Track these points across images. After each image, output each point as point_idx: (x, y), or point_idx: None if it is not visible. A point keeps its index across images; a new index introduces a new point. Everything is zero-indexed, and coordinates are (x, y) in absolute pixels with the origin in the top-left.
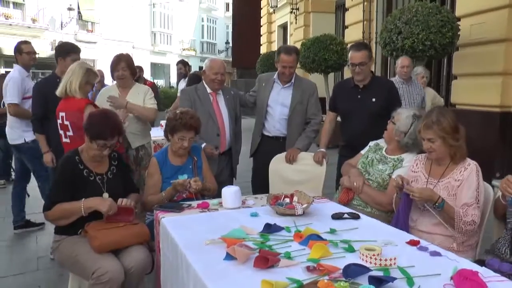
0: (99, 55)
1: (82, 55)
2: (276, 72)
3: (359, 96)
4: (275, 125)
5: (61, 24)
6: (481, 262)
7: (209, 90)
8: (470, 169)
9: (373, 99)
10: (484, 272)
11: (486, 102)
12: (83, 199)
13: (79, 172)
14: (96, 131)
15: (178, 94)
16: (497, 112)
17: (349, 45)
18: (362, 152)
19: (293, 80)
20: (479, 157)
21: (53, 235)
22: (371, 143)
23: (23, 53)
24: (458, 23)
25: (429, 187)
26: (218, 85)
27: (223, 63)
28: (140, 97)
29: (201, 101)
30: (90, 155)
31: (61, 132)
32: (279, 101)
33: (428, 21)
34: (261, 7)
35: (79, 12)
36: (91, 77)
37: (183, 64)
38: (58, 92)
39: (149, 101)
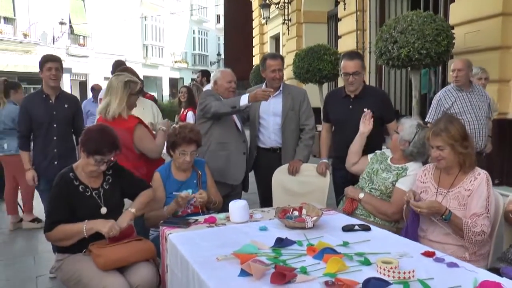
0: (91, 69)
1: (74, 70)
2: (264, 83)
3: (350, 106)
4: (270, 136)
5: (53, 38)
6: (494, 270)
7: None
8: (480, 178)
9: (365, 109)
10: (505, 283)
11: None
12: (86, 221)
13: (75, 188)
14: (93, 146)
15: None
16: (494, 119)
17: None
18: (369, 157)
19: (281, 88)
20: (477, 164)
21: (55, 254)
22: (378, 152)
23: None
24: (453, 31)
25: (439, 197)
26: (233, 93)
27: (232, 73)
28: (146, 114)
29: None
30: (86, 171)
31: None
32: (270, 111)
33: (423, 30)
34: (253, 18)
35: (70, 26)
36: (132, 88)
37: (201, 73)
38: (107, 116)
39: (161, 118)
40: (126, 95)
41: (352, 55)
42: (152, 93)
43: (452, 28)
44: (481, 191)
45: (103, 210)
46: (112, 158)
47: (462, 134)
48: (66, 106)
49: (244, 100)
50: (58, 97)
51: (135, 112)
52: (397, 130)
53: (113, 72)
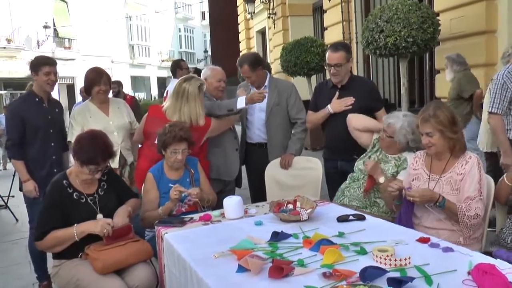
0: (78, 72)
1: (61, 73)
2: None
3: (337, 96)
4: (255, 131)
5: (38, 42)
6: (487, 254)
7: (214, 99)
8: (471, 162)
9: (352, 99)
10: (499, 265)
11: None
12: (75, 225)
13: (69, 196)
14: (87, 156)
15: None
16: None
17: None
18: (373, 136)
19: (267, 83)
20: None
21: (52, 261)
22: (374, 141)
23: None
24: (438, 18)
25: (431, 183)
26: (222, 92)
27: (223, 71)
28: (124, 113)
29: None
30: (81, 179)
31: None
32: (256, 107)
33: (409, 18)
34: (238, 13)
35: (55, 30)
36: (203, 90)
37: (194, 71)
38: (184, 122)
39: (134, 120)
40: (201, 99)
41: (337, 46)
42: (140, 94)
43: (437, 14)
44: (473, 174)
45: (99, 216)
46: (107, 165)
47: (450, 119)
48: (57, 110)
49: (241, 103)
50: (49, 100)
51: (112, 112)
52: (388, 135)
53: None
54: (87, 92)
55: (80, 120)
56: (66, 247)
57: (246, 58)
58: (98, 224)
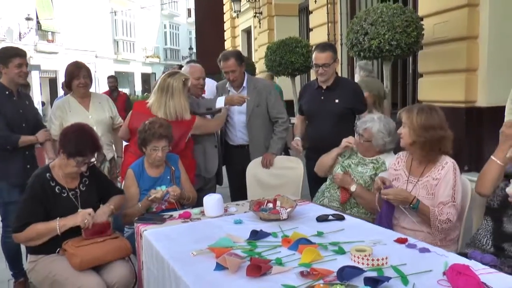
0: (60, 66)
1: (44, 67)
2: None
3: (322, 97)
4: (237, 134)
5: (19, 34)
6: (463, 255)
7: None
8: (447, 167)
9: (336, 100)
10: (473, 265)
11: (451, 98)
12: (58, 218)
13: (51, 189)
14: (75, 148)
15: None
16: (462, 108)
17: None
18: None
19: (245, 84)
20: None
21: (28, 256)
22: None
23: None
24: (422, 22)
25: (409, 185)
26: (201, 90)
27: (202, 68)
28: (105, 108)
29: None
30: (66, 172)
31: None
32: (235, 109)
33: (393, 22)
34: (224, 12)
35: (38, 22)
36: (187, 85)
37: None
38: (166, 117)
39: (117, 115)
40: (185, 94)
41: (325, 47)
42: (124, 89)
43: (421, 19)
44: (447, 179)
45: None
46: (93, 160)
47: (422, 124)
48: (27, 103)
49: (220, 102)
50: (19, 93)
51: (92, 107)
52: (366, 139)
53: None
54: (67, 86)
55: (59, 115)
56: (44, 242)
57: (232, 52)
58: (78, 215)
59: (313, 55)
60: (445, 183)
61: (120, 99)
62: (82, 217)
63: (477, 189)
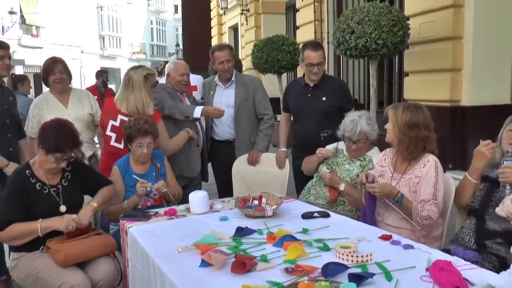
0: None
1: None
2: (217, 75)
3: (309, 95)
4: (224, 128)
5: (2, 28)
6: (446, 252)
7: (178, 93)
8: (428, 165)
9: (323, 98)
10: (456, 261)
11: (436, 97)
12: (40, 220)
13: (31, 186)
14: (53, 144)
15: None
16: (447, 107)
17: (301, 45)
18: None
19: (233, 78)
20: None
21: (10, 253)
22: (328, 148)
23: None
24: (408, 22)
25: (393, 182)
26: (185, 86)
27: (186, 64)
28: (85, 105)
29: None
30: (46, 168)
31: (112, 134)
32: (223, 103)
33: (380, 21)
34: (211, 8)
35: (22, 16)
36: (151, 81)
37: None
38: (129, 112)
39: (98, 112)
40: (147, 88)
41: (316, 45)
42: (110, 85)
43: (408, 19)
44: (429, 178)
45: (62, 208)
46: (73, 155)
47: (406, 122)
48: (11, 98)
49: (197, 113)
50: (2, 88)
51: (71, 104)
52: (364, 140)
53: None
54: (44, 82)
55: (37, 112)
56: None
57: (226, 44)
58: (63, 220)
59: (305, 54)
60: (426, 181)
61: (107, 94)
62: (67, 223)
63: (456, 204)
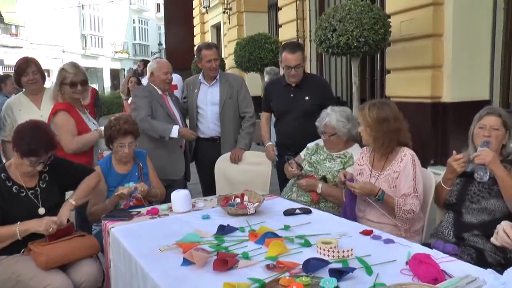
0: None
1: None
2: (201, 73)
3: (292, 95)
4: (209, 125)
5: None
6: (427, 245)
7: (160, 92)
8: (406, 159)
9: (306, 97)
10: (434, 254)
11: (418, 94)
12: (18, 223)
13: (7, 190)
14: (27, 148)
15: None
16: (428, 103)
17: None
18: (302, 155)
19: (218, 77)
20: (414, 146)
21: None
22: (309, 146)
23: None
24: (389, 20)
25: (372, 179)
26: (169, 85)
27: (169, 63)
28: None
29: (159, 103)
30: (21, 171)
31: None
32: (208, 101)
33: (361, 19)
34: (193, 7)
35: (0, 15)
36: (63, 77)
37: (144, 63)
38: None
39: None
40: (58, 81)
41: (294, 47)
42: (93, 85)
43: (389, 17)
44: (407, 171)
45: (41, 210)
46: (50, 156)
47: (376, 119)
48: None
49: (174, 133)
50: None
51: (44, 105)
52: (331, 134)
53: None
54: (17, 83)
55: (10, 114)
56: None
57: (213, 43)
58: (43, 223)
59: (282, 56)
60: (405, 175)
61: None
62: (46, 225)
63: (435, 201)
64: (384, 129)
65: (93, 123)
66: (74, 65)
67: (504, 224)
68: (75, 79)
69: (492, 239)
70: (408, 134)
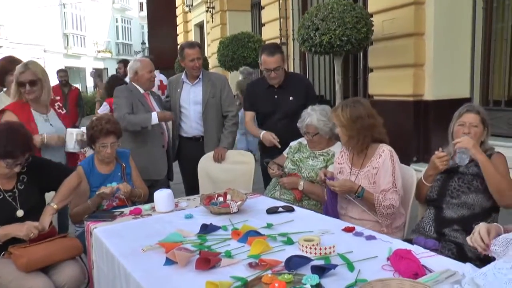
0: None
1: None
2: (184, 72)
3: (276, 96)
4: (192, 124)
5: None
6: (409, 241)
7: (142, 91)
8: (384, 155)
9: (291, 98)
10: (415, 250)
11: (400, 92)
12: None
13: None
14: (3, 150)
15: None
16: (410, 101)
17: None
18: (285, 154)
19: (201, 76)
20: (396, 143)
21: None
22: (292, 144)
23: None
24: (371, 19)
25: (352, 177)
26: (152, 84)
27: (151, 62)
28: None
29: (141, 102)
30: None
31: None
32: (191, 100)
33: (344, 18)
34: (176, 6)
35: None
36: (16, 76)
37: (124, 64)
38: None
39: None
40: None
41: (272, 50)
42: (75, 85)
43: (371, 16)
44: (386, 167)
45: (20, 213)
46: (26, 159)
47: (349, 118)
48: None
49: (154, 119)
50: None
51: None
52: (313, 134)
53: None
54: (0, 83)
55: None
56: None
57: (196, 42)
58: (24, 228)
59: (262, 59)
60: (384, 171)
61: (72, 94)
62: (27, 230)
63: (416, 198)
64: (358, 126)
65: (51, 124)
66: (25, 65)
67: (481, 226)
68: (22, 79)
69: (468, 239)
70: (383, 130)
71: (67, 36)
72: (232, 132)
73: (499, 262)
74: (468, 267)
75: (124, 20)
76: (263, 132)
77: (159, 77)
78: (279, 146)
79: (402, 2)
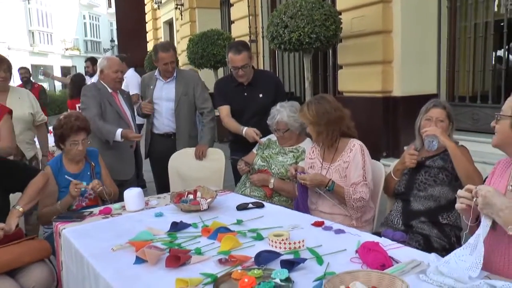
0: None
1: None
2: (157, 69)
3: (245, 94)
4: (164, 121)
5: None
6: (378, 234)
7: (110, 90)
8: (355, 149)
9: (260, 95)
10: (383, 242)
11: (369, 88)
12: None
13: None
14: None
15: None
16: (379, 97)
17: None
18: (254, 150)
19: (175, 74)
20: (367, 139)
21: None
22: (261, 141)
23: None
24: (340, 16)
25: (323, 171)
26: (119, 84)
27: (120, 61)
28: (25, 104)
29: (109, 101)
30: None
31: None
32: (163, 97)
33: (312, 15)
34: (145, 3)
35: None
36: None
37: (91, 62)
38: None
39: (39, 111)
40: None
41: (239, 48)
42: (43, 84)
43: (340, 13)
44: (356, 161)
45: None
46: None
47: (315, 114)
48: None
49: (118, 137)
50: None
51: (11, 100)
52: (284, 130)
53: None
54: None
55: None
56: None
57: (170, 44)
58: None
59: (228, 57)
60: (354, 165)
61: (33, 92)
62: None
63: (384, 192)
64: (326, 121)
65: None
66: None
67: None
68: None
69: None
70: (351, 122)
71: (32, 33)
72: (211, 128)
73: (459, 250)
74: (432, 257)
75: (92, 16)
76: (245, 129)
77: (136, 75)
78: (262, 142)
79: (370, 0)
